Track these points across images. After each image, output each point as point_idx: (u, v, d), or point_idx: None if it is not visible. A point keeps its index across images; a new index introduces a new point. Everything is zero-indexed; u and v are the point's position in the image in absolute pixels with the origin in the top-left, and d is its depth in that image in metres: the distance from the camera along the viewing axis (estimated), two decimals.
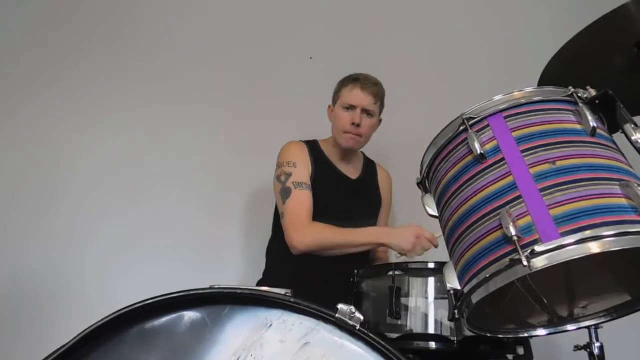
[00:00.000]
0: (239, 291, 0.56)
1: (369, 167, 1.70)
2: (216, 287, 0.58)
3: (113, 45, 2.06)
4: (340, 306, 0.55)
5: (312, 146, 1.61)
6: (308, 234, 1.37)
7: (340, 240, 1.36)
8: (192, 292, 0.55)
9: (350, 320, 0.55)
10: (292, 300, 0.55)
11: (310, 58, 2.06)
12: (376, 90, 1.53)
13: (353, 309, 0.55)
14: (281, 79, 2.05)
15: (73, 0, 2.09)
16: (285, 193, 1.45)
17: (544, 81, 0.99)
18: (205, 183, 1.91)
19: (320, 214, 1.44)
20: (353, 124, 1.51)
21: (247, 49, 2.10)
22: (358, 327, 0.55)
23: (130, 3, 2.12)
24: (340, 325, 0.55)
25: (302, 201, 1.44)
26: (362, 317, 0.55)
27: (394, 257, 1.35)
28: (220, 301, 0.56)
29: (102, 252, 1.78)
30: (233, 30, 2.12)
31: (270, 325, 0.55)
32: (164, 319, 0.55)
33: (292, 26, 2.14)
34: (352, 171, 1.64)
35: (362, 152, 1.71)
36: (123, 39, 2.07)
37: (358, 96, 1.51)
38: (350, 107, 1.52)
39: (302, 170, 1.50)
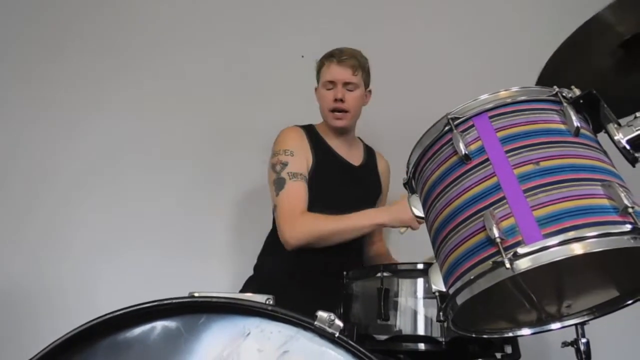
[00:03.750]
0: (214, 299, 0.54)
1: (370, 154, 1.64)
2: (194, 295, 0.56)
3: (90, 43, 2.03)
4: (320, 313, 0.54)
5: (310, 131, 1.53)
6: (299, 226, 1.30)
7: (334, 227, 1.28)
8: (165, 302, 0.54)
9: (329, 327, 0.53)
10: (270, 308, 0.54)
11: (302, 56, 2.04)
12: (352, 62, 1.48)
13: (332, 315, 0.54)
14: (273, 77, 2.03)
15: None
16: (278, 183, 1.38)
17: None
18: (193, 182, 1.89)
19: (323, 204, 1.37)
20: (336, 99, 1.46)
21: (238, 46, 2.09)
22: (337, 334, 0.53)
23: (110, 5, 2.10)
24: (320, 333, 0.54)
25: (295, 193, 1.36)
26: (341, 324, 0.54)
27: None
28: (195, 310, 0.55)
29: (83, 254, 1.76)
30: (223, 27, 2.10)
31: (248, 334, 0.54)
32: (137, 330, 0.54)
33: (284, 24, 2.12)
34: (353, 158, 1.57)
35: (360, 138, 1.66)
36: (102, 35, 2.04)
37: (336, 71, 1.47)
38: (331, 84, 1.48)
39: (299, 159, 1.43)
